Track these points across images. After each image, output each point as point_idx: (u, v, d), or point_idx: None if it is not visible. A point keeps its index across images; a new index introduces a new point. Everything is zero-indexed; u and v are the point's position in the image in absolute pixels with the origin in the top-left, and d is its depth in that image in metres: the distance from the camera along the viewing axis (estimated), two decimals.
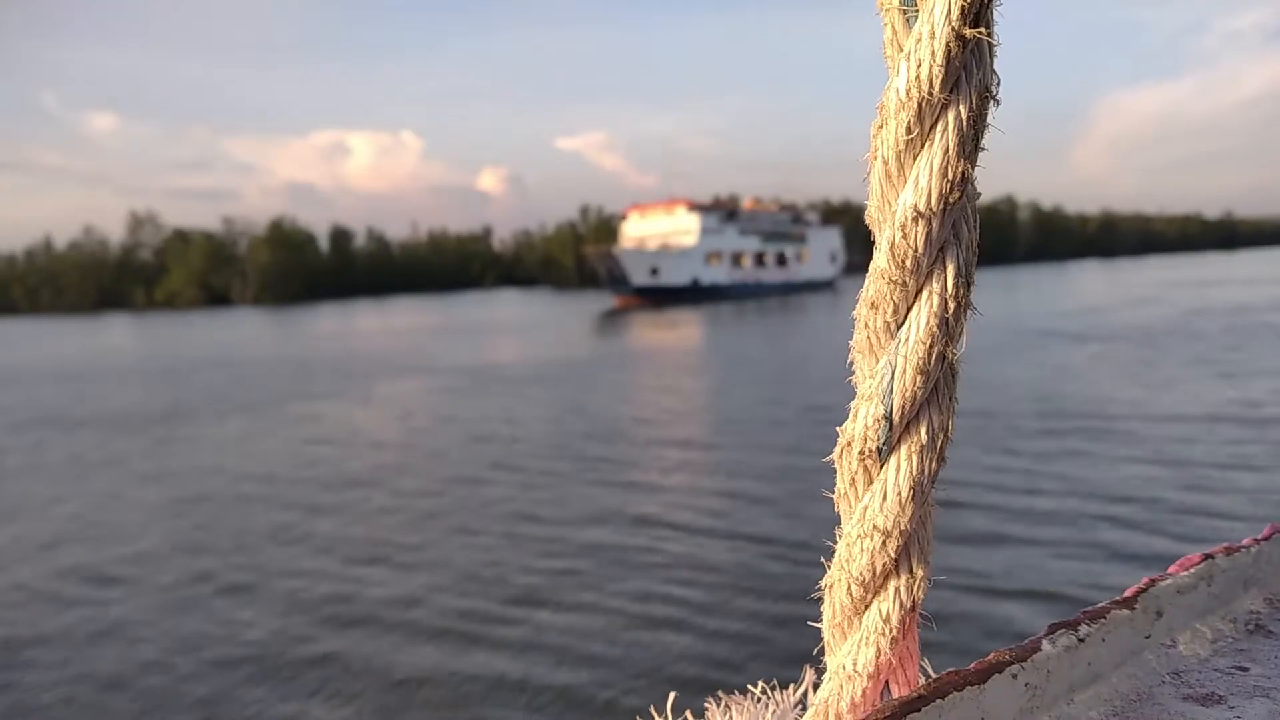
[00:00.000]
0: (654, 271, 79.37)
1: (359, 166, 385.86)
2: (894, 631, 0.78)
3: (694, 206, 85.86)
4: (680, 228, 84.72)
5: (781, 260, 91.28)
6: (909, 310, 0.74)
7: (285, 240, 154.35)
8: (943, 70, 0.68)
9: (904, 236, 0.72)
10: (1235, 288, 53.32)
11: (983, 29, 0.67)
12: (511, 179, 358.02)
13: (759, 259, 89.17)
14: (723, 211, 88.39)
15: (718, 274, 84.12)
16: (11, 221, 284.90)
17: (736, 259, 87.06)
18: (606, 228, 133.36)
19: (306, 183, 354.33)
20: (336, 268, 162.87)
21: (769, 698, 1.00)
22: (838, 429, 0.79)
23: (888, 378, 0.74)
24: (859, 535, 0.77)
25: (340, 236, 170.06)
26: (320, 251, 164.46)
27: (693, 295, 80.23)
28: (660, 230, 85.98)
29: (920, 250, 0.72)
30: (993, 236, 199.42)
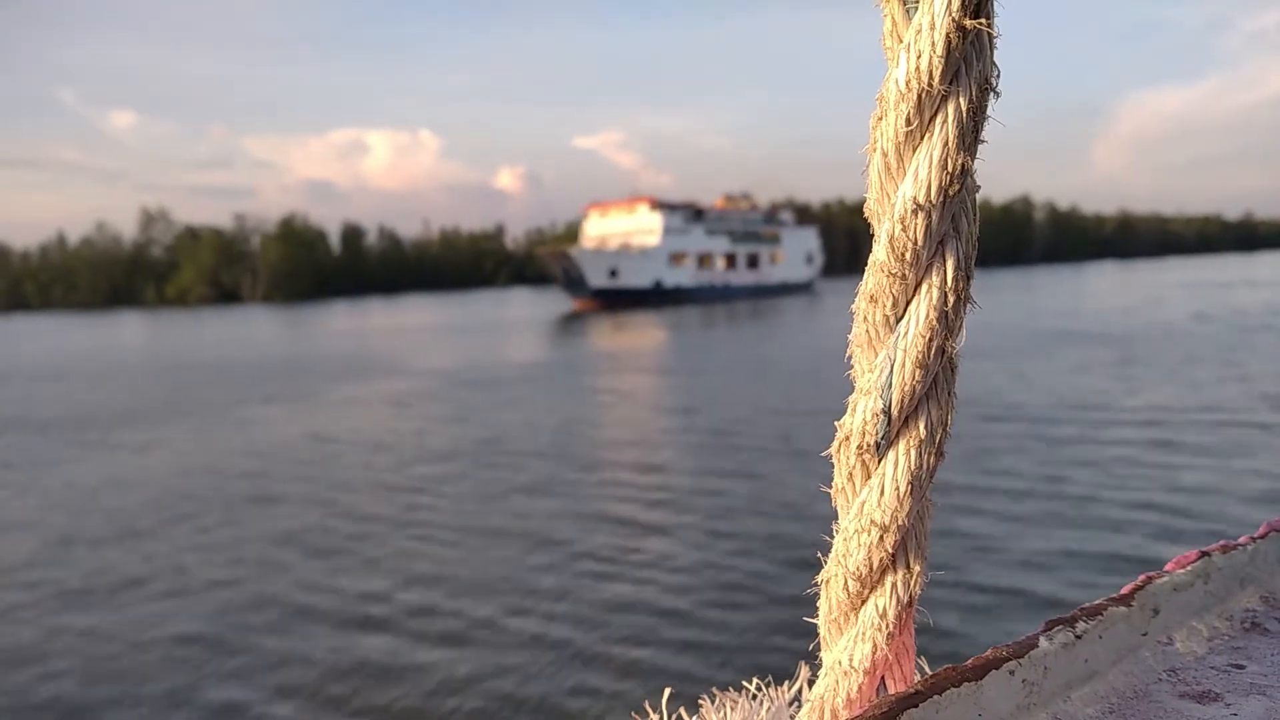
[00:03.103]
0: (613, 273, 74.97)
1: (377, 165, 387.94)
2: (891, 627, 0.78)
3: (657, 205, 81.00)
4: (642, 227, 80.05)
5: (753, 262, 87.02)
6: (908, 304, 0.74)
7: (296, 238, 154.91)
8: (943, 62, 0.67)
9: (903, 229, 0.71)
10: (1246, 290, 53.04)
11: (983, 20, 0.67)
12: (529, 177, 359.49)
13: (729, 260, 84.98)
14: (688, 210, 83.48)
15: (682, 276, 79.77)
16: (28, 218, 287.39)
17: (703, 260, 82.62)
18: None
19: (324, 180, 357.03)
20: (348, 265, 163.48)
21: (764, 694, 1.00)
22: (836, 423, 0.78)
23: (886, 372, 0.74)
24: (856, 530, 0.77)
25: (352, 234, 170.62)
26: (331, 249, 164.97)
27: (655, 298, 76.19)
28: (622, 230, 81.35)
29: (919, 243, 0.71)
30: (1008, 237, 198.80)
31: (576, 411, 20.24)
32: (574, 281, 75.27)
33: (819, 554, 0.82)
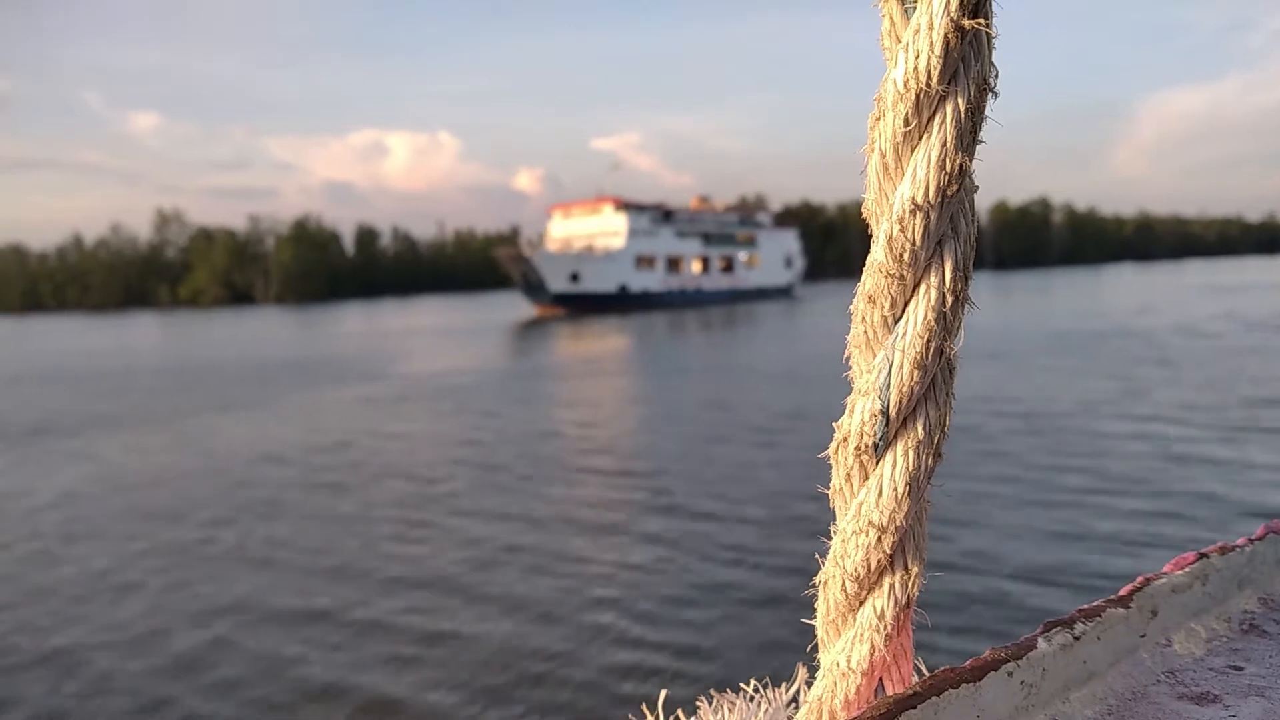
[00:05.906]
0: (575, 277, 71.09)
1: (396, 166, 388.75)
2: (889, 628, 0.78)
3: (622, 205, 76.84)
4: (607, 229, 76.11)
5: (728, 265, 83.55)
6: (906, 304, 0.74)
7: (309, 239, 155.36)
8: (941, 62, 0.67)
9: (901, 229, 0.71)
10: (1261, 294, 52.67)
11: (982, 20, 0.67)
12: (548, 179, 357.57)
13: (702, 263, 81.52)
14: (656, 211, 79.17)
15: (650, 280, 76.07)
16: (47, 219, 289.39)
17: (673, 263, 78.99)
18: None
19: (344, 182, 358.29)
20: (361, 267, 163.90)
21: (761, 695, 1.00)
22: (834, 424, 0.78)
23: (885, 372, 0.74)
24: (854, 531, 0.77)
25: (365, 236, 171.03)
26: (345, 250, 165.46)
27: (621, 304, 72.67)
28: (586, 231, 77.43)
29: (918, 243, 0.71)
30: (1026, 239, 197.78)
31: (539, 418, 19.87)
32: (533, 286, 71.55)
33: (817, 555, 0.82)
